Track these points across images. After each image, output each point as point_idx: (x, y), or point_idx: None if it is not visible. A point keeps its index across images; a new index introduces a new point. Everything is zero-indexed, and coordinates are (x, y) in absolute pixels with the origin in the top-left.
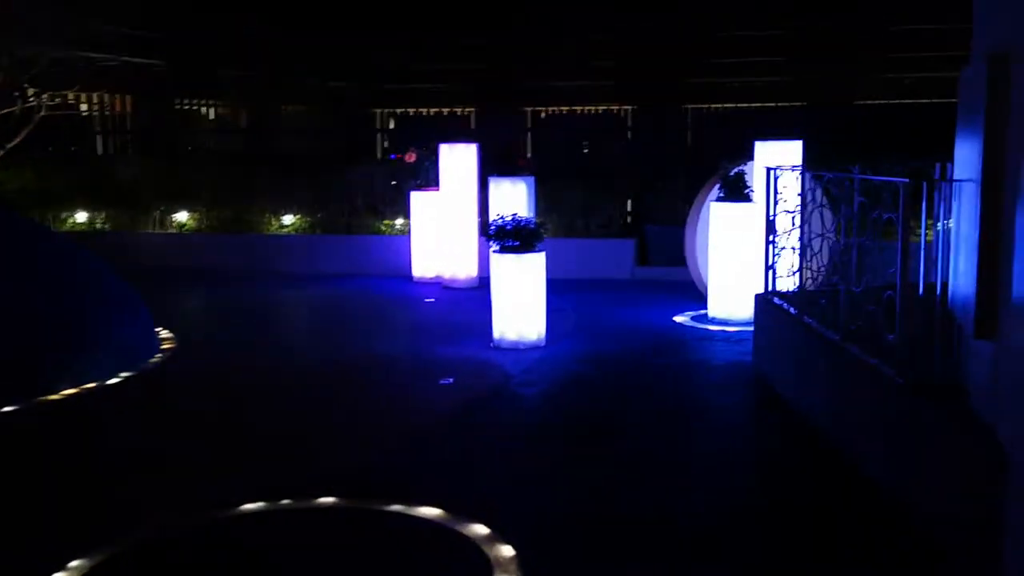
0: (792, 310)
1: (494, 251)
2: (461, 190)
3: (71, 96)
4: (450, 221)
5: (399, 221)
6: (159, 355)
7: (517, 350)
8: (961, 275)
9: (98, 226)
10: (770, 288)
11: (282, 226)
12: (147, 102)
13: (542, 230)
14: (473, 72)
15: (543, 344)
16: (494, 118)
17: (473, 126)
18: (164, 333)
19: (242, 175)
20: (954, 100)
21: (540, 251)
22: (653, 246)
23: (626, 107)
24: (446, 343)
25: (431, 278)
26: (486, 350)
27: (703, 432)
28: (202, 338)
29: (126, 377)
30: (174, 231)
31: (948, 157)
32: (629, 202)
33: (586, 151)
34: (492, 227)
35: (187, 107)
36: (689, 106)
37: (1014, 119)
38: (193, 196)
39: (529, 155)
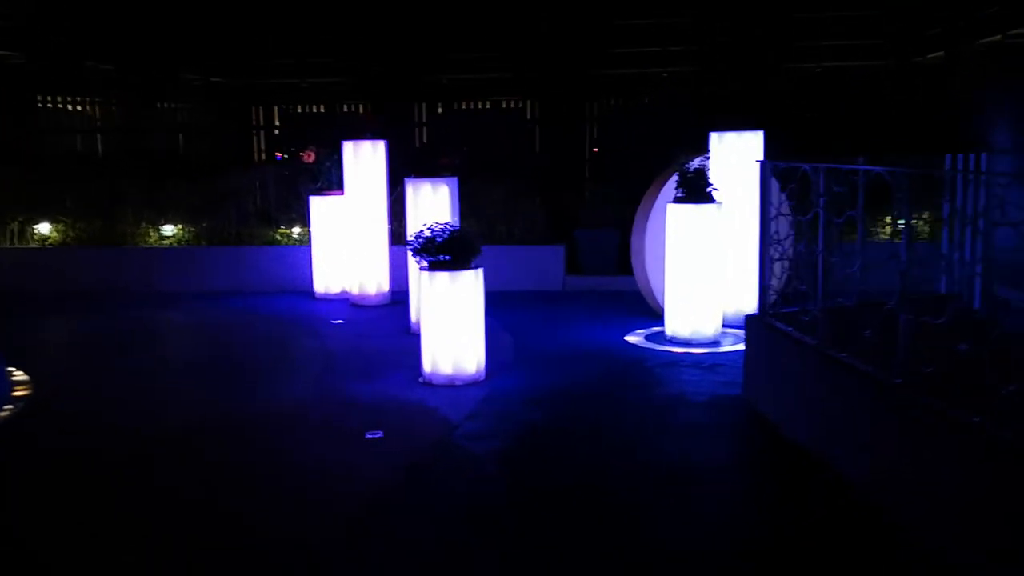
0: (808, 339)
1: (422, 268)
2: (369, 193)
3: None
4: (357, 229)
5: (296, 229)
6: (7, 408)
7: (454, 387)
8: None
9: None
10: (766, 308)
11: (162, 237)
12: (3, 99)
13: (477, 242)
14: (362, 67)
15: (483, 378)
16: (387, 115)
17: (365, 123)
18: (18, 375)
19: (114, 180)
20: None
21: (477, 267)
22: (584, 253)
23: (522, 101)
24: (364, 378)
25: (336, 294)
26: (415, 387)
27: (712, 505)
28: (64, 382)
29: None
30: (35, 245)
31: None
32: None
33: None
34: (417, 239)
35: (50, 105)
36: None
37: None
38: (57, 205)
39: (451, 154)
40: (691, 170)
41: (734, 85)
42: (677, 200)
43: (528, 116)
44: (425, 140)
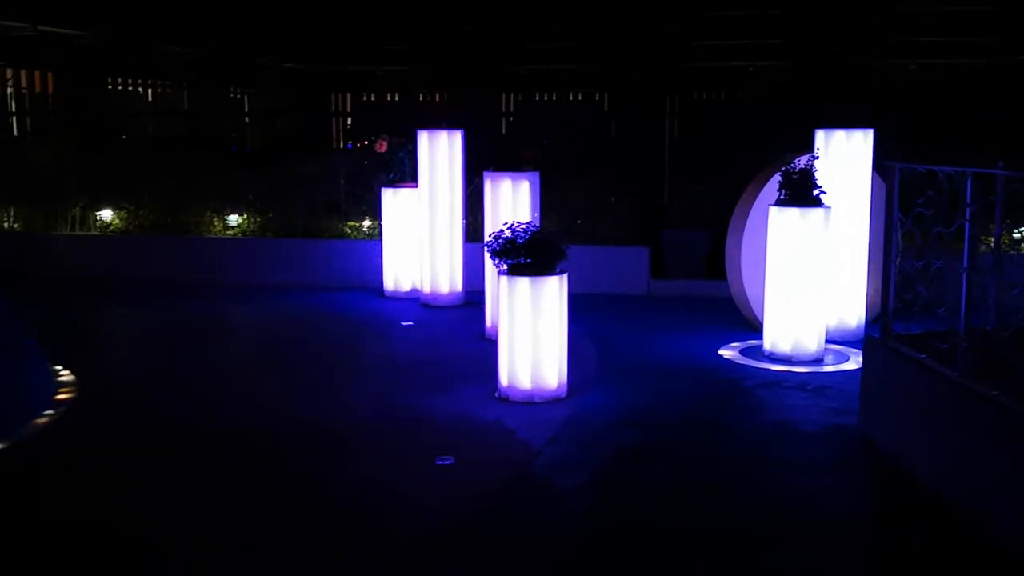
0: (948, 371)
1: (500, 272)
2: (444, 187)
3: None
4: (431, 224)
5: (367, 223)
6: (46, 414)
7: (532, 404)
8: None
9: (6, 226)
10: (889, 329)
11: (227, 227)
12: (72, 79)
13: (562, 245)
14: (441, 54)
15: (564, 394)
16: (468, 104)
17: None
18: (64, 374)
19: (181, 165)
20: None
21: (562, 273)
22: (670, 255)
23: (600, 93)
24: (435, 390)
25: (406, 292)
26: (490, 403)
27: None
28: (112, 383)
29: None
30: (97, 232)
31: None
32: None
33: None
34: (496, 240)
35: (121, 87)
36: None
37: None
38: (122, 189)
39: (535, 147)
40: (796, 170)
41: (835, 79)
42: (780, 203)
43: (606, 108)
44: (503, 132)
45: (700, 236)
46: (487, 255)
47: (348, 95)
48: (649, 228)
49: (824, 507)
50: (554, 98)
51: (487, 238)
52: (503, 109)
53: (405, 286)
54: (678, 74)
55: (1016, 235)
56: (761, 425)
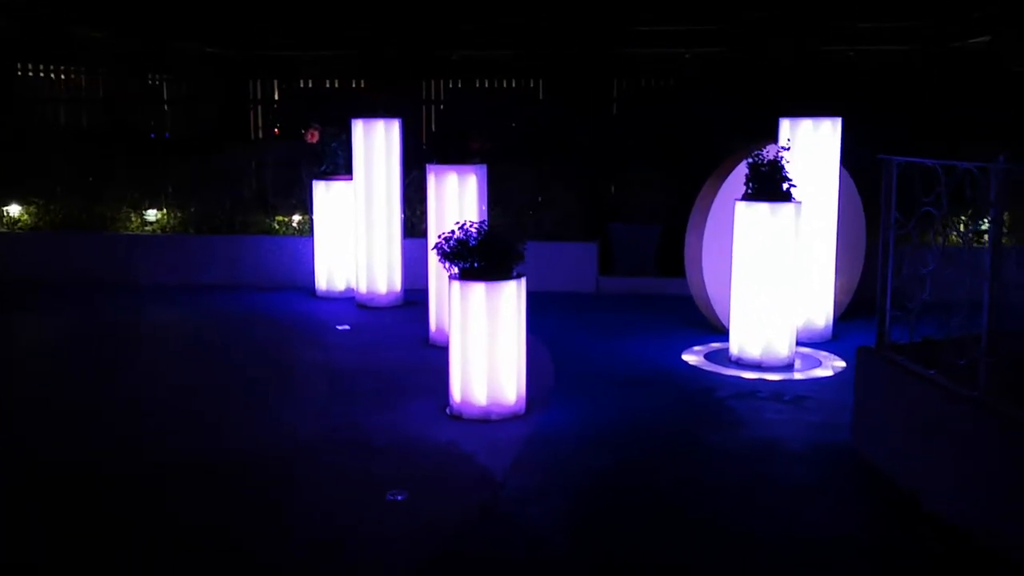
0: (963, 389)
1: (452, 276)
2: (381, 179)
3: None
4: (367, 219)
5: (296, 218)
6: None
7: (489, 422)
8: None
9: None
10: (885, 339)
11: (145, 223)
12: None
13: (521, 246)
14: (359, 41)
15: (523, 410)
16: (398, 92)
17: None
18: None
19: (95, 157)
20: None
21: (519, 277)
22: (619, 251)
23: (536, 80)
24: (379, 406)
25: (340, 292)
26: (442, 420)
27: None
28: (15, 401)
29: None
30: (3, 229)
31: None
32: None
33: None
34: (447, 241)
35: (32, 72)
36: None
37: None
38: (31, 183)
39: (483, 137)
40: (764, 162)
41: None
42: (747, 197)
43: (541, 96)
44: (432, 121)
45: (650, 231)
46: (436, 257)
47: (274, 82)
48: (595, 222)
49: (828, 537)
50: (486, 85)
51: (435, 238)
52: (430, 96)
53: (339, 285)
54: (618, 59)
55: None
56: (744, 443)
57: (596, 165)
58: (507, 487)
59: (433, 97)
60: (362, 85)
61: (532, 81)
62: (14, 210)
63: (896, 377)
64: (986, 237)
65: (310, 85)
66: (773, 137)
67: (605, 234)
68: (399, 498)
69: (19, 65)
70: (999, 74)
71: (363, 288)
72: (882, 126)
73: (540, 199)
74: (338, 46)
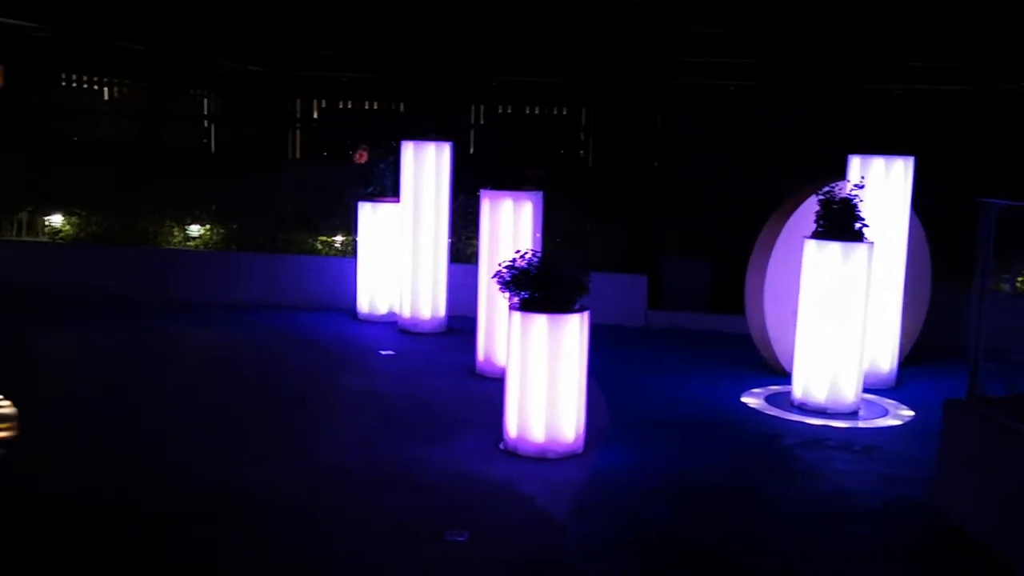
0: None
1: (512, 307)
2: (430, 203)
3: None
4: (414, 243)
5: (339, 238)
6: None
7: (545, 461)
8: None
9: None
10: (976, 392)
11: (187, 238)
12: (22, 75)
13: (585, 278)
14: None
15: (581, 449)
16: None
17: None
18: (4, 406)
19: (137, 170)
20: None
21: (582, 310)
22: (669, 285)
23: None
24: (428, 440)
25: (382, 316)
26: (495, 457)
27: None
28: (58, 420)
29: None
30: (45, 239)
31: None
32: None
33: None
34: (509, 269)
35: (76, 84)
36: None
37: None
38: (73, 195)
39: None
40: (837, 200)
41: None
42: (817, 235)
43: (583, 124)
44: (472, 146)
45: (702, 265)
46: (496, 285)
47: (314, 101)
48: (644, 254)
49: None
50: (527, 112)
51: (485, 265)
52: (472, 121)
53: (381, 308)
54: (664, 89)
55: None
56: (814, 497)
57: (645, 197)
58: (570, 534)
59: (472, 121)
60: (398, 108)
61: (568, 109)
62: (56, 220)
63: (990, 433)
64: None
65: (347, 105)
66: (840, 175)
67: (654, 267)
68: (459, 539)
69: (63, 76)
70: None
71: (406, 313)
72: (952, 168)
73: (588, 228)
74: (378, 68)
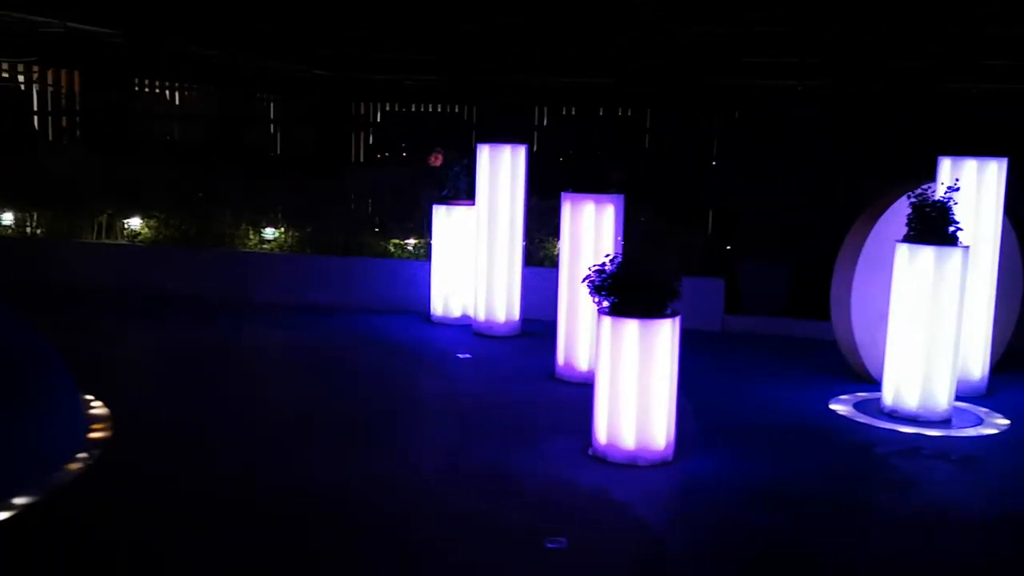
0: None
1: (601, 311)
2: (505, 206)
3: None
4: (489, 246)
5: (411, 241)
6: (79, 457)
7: (636, 467)
8: None
9: (28, 231)
10: None
11: (262, 241)
12: (99, 79)
13: (677, 283)
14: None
15: (671, 457)
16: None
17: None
18: (96, 406)
19: (211, 172)
20: None
21: (674, 315)
22: (747, 288)
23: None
24: (515, 444)
25: (456, 319)
26: (585, 463)
27: None
28: (146, 421)
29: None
30: (124, 242)
31: None
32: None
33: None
34: (598, 273)
35: (148, 88)
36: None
37: None
38: (149, 196)
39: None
40: (931, 203)
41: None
42: (909, 239)
43: (647, 124)
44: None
45: (781, 268)
46: (586, 290)
47: (376, 104)
48: (722, 257)
49: None
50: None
51: (566, 268)
52: (537, 124)
53: (455, 311)
54: (728, 90)
55: None
56: (918, 508)
57: (723, 199)
58: (670, 544)
59: (540, 125)
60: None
61: (630, 110)
62: (135, 223)
63: None
64: None
65: (408, 108)
66: (927, 177)
67: (731, 270)
68: (559, 546)
69: (136, 81)
70: None
71: (481, 316)
72: None
73: (665, 230)
74: (439, 71)
